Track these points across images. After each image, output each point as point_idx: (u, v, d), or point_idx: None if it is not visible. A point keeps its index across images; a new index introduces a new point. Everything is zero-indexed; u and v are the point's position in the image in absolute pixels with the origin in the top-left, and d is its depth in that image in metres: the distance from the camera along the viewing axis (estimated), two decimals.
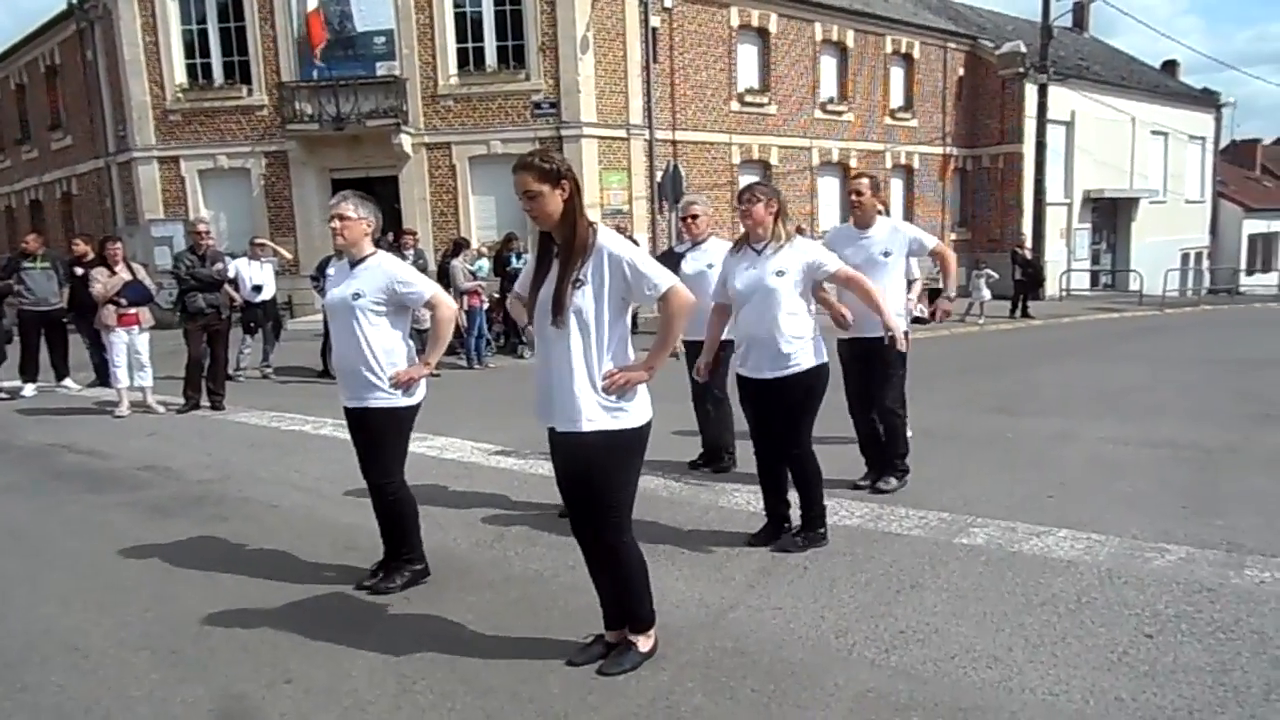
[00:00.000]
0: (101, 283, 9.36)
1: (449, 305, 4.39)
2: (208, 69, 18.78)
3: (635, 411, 3.30)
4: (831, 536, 4.87)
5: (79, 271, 11.03)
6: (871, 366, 5.61)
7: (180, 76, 18.66)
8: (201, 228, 10.06)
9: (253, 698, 3.38)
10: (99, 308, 9.46)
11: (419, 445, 7.05)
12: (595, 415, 3.22)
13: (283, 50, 18.22)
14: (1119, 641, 3.56)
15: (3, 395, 10.89)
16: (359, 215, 4.19)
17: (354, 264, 4.24)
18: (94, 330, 11.16)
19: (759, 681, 3.35)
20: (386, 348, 4.18)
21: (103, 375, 11.21)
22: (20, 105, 24.73)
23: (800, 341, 4.54)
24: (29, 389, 11.07)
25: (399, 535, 4.41)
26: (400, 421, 4.29)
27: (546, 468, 6.46)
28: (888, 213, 7.75)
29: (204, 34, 18.68)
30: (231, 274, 10.64)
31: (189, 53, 18.76)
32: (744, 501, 5.63)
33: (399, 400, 4.20)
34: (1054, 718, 3.05)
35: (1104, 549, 4.60)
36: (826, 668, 3.44)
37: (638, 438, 3.33)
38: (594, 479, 3.30)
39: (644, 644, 3.51)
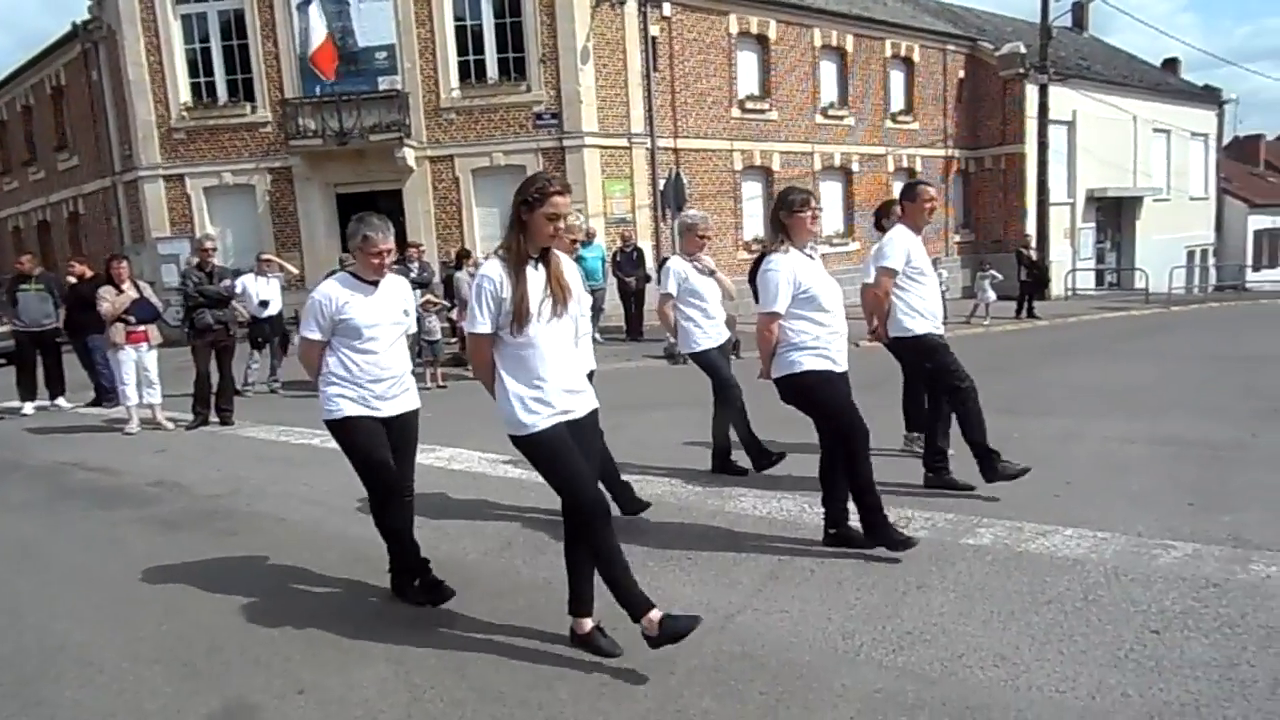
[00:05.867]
0: (110, 301, 9.44)
1: None
2: (211, 87, 18.86)
3: None
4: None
5: (72, 284, 11.28)
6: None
7: (184, 95, 18.75)
8: (208, 245, 10.13)
9: (266, 709, 3.41)
10: (107, 326, 9.54)
11: (427, 456, 7.09)
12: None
13: (286, 67, 18.31)
14: (1125, 638, 3.58)
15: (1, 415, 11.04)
16: None
17: (375, 284, 4.34)
18: (88, 349, 11.33)
19: (767, 684, 3.37)
20: None
21: (102, 394, 11.36)
22: (27, 127, 24.85)
23: None
24: (28, 407, 11.25)
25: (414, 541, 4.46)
26: None
27: None
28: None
29: (207, 52, 18.77)
30: (238, 290, 10.70)
31: (193, 71, 18.84)
32: (750, 506, 5.66)
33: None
34: (1061, 714, 3.06)
35: (1110, 547, 4.61)
36: (834, 669, 3.46)
37: None
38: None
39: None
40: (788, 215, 4.67)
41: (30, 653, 4.03)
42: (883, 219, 6.74)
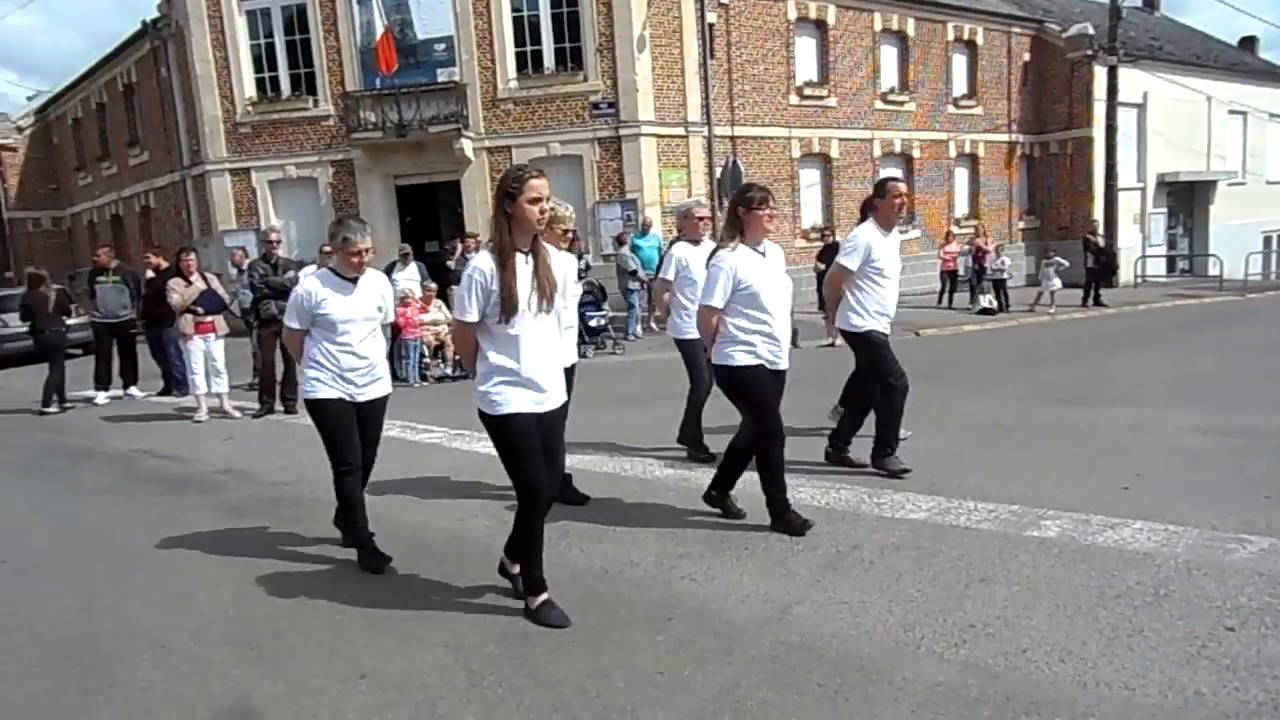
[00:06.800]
0: (179, 293, 9.69)
1: None
2: (275, 82, 19.24)
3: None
4: (897, 530, 4.86)
5: (149, 277, 11.57)
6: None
7: (249, 90, 19.16)
8: (274, 237, 10.32)
9: (329, 693, 3.46)
10: (177, 317, 9.80)
11: (484, 445, 7.14)
12: None
13: (347, 61, 18.60)
14: (1198, 635, 3.47)
15: (73, 404, 11.37)
16: None
17: (354, 281, 4.77)
18: (160, 340, 11.66)
19: (826, 676, 3.33)
20: None
21: (171, 383, 11.70)
22: (101, 123, 25.62)
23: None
24: (101, 397, 11.61)
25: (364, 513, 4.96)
26: None
27: (611, 464, 6.57)
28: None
29: (271, 48, 19.16)
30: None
31: (257, 66, 19.25)
32: (807, 497, 5.60)
33: None
34: (1130, 712, 2.98)
35: (1182, 540, 4.47)
36: (894, 662, 3.41)
37: None
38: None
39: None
40: (745, 211, 4.88)
41: (105, 635, 4.15)
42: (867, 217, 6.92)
